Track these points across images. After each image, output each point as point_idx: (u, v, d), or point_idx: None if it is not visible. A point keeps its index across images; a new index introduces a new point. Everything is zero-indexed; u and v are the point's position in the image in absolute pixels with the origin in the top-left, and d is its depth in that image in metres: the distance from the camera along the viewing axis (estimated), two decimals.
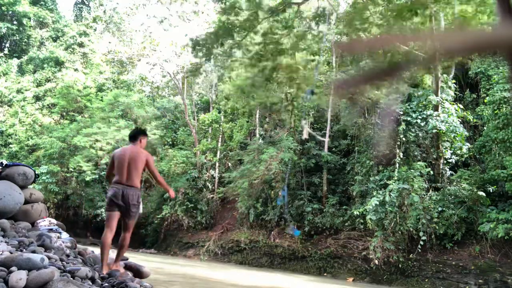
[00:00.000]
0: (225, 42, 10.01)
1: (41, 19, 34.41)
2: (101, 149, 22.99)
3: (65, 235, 6.02)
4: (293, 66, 10.79)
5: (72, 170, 23.03)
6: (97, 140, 22.85)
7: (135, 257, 9.99)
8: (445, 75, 14.29)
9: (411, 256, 12.73)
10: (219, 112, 24.03)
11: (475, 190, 12.10)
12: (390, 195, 12.87)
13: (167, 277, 9.51)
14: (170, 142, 26.42)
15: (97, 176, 23.48)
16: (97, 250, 6.25)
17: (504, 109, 12.10)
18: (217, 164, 22.71)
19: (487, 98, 13.15)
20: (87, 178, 22.86)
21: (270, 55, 10.51)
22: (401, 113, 14.25)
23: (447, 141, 13.88)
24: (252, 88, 10.98)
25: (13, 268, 3.59)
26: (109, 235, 4.80)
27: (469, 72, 15.10)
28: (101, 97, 27.33)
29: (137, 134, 5.23)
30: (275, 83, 11.43)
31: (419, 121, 14.04)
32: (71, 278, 3.84)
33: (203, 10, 24.33)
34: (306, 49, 11.22)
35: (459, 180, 13.17)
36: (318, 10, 10.10)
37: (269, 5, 10.02)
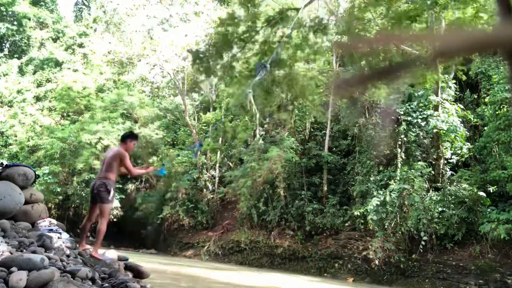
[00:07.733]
0: (225, 54, 9.95)
1: (41, 20, 34.37)
2: (104, 148, 22.89)
3: (65, 236, 6.02)
4: (291, 75, 10.72)
5: (81, 169, 22.60)
6: (100, 138, 22.72)
7: (135, 257, 9.99)
8: (446, 75, 14.28)
9: (412, 256, 12.72)
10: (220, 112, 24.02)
11: (475, 190, 12.09)
12: (390, 195, 12.86)
13: (168, 277, 9.51)
14: (171, 142, 26.41)
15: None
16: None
17: (505, 109, 12.09)
18: (217, 164, 22.70)
19: (488, 98, 13.14)
20: (86, 177, 22.73)
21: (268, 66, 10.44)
22: (402, 113, 14.24)
23: (448, 141, 13.87)
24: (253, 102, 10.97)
25: (13, 269, 3.59)
26: (85, 221, 5.71)
27: (470, 72, 15.08)
28: (102, 98, 27.29)
29: (125, 137, 5.74)
30: (274, 94, 11.44)
31: (419, 121, 14.03)
32: (72, 279, 3.83)
33: (203, 10, 24.28)
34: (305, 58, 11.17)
35: (459, 180, 13.15)
36: (316, 19, 10.00)
37: (267, 14, 9.94)
